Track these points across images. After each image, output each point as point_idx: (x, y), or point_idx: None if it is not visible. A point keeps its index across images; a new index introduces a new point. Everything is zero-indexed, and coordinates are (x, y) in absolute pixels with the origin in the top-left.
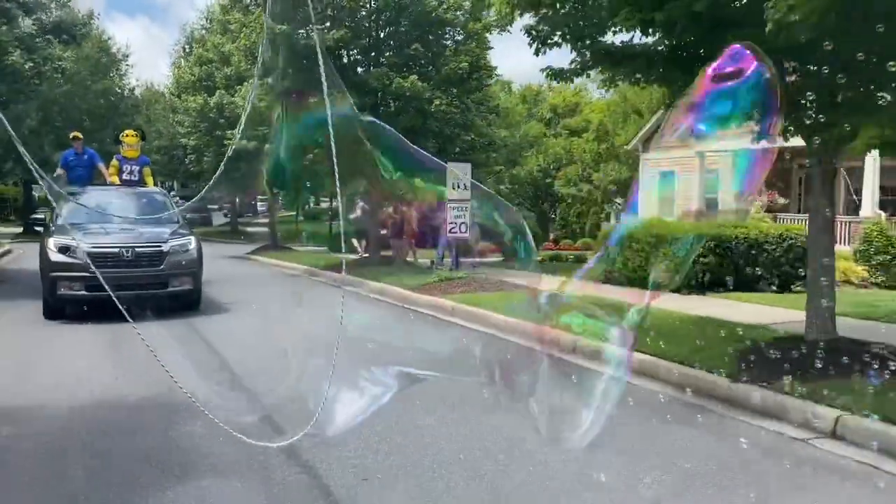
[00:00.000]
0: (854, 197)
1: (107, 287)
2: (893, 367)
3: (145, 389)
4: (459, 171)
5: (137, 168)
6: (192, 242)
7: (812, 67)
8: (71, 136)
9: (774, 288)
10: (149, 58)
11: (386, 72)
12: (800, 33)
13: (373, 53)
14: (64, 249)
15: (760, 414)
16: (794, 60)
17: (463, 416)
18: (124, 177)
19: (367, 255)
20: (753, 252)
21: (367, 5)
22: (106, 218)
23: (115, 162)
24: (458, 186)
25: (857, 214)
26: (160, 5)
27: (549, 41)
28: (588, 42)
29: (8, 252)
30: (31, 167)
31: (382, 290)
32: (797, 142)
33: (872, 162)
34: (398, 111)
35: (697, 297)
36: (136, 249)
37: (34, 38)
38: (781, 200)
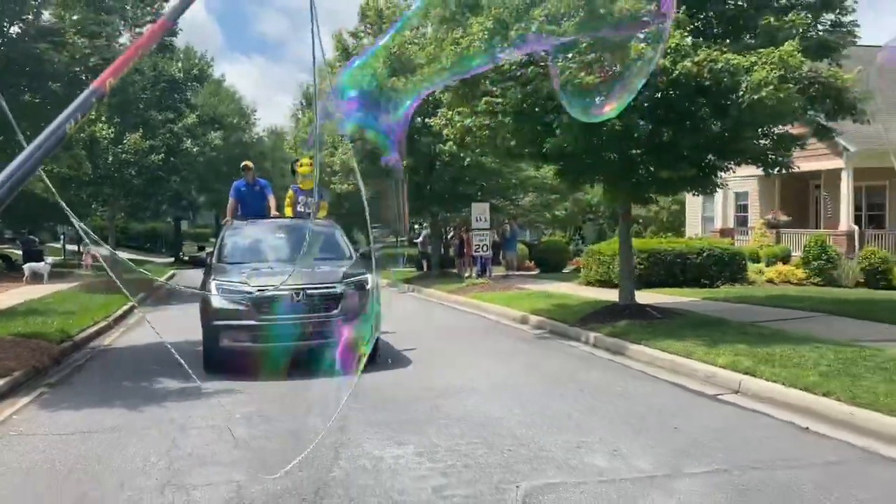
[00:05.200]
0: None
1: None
2: (639, 316)
3: None
4: (481, 209)
5: (313, 200)
6: (368, 281)
7: None
8: (241, 167)
9: (707, 283)
10: (267, 96)
11: None
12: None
13: None
14: (228, 293)
15: (574, 339)
16: None
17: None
18: (298, 209)
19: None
20: (679, 260)
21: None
22: (268, 256)
23: (290, 192)
24: (479, 219)
25: (837, 228)
26: (274, 43)
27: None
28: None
29: (174, 275)
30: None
31: (430, 293)
32: (813, 166)
33: (847, 186)
34: None
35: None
36: (307, 291)
37: (196, 128)
38: (784, 218)
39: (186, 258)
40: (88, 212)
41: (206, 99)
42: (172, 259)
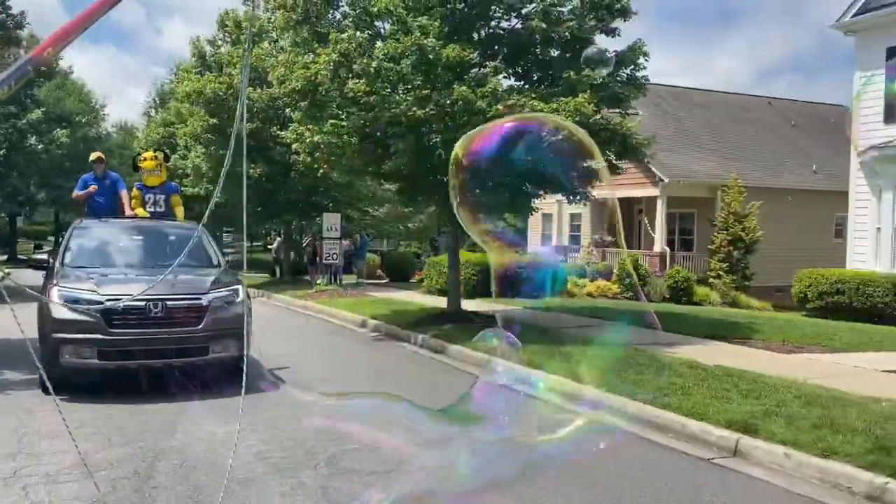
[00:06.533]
0: (653, 235)
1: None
2: (464, 321)
3: None
4: (333, 219)
5: (163, 197)
6: (238, 293)
7: None
8: (91, 159)
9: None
10: (116, 87)
11: None
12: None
13: None
14: (72, 303)
15: (405, 340)
16: None
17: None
18: (148, 207)
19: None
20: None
21: None
22: (125, 261)
23: (136, 191)
24: (331, 229)
25: (652, 249)
26: (127, 34)
27: None
28: None
29: (8, 274)
30: None
31: (281, 298)
32: (637, 193)
33: (661, 212)
34: None
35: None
36: (168, 303)
37: (41, 125)
38: (609, 238)
39: (26, 258)
40: None
41: (51, 91)
42: (6, 257)
